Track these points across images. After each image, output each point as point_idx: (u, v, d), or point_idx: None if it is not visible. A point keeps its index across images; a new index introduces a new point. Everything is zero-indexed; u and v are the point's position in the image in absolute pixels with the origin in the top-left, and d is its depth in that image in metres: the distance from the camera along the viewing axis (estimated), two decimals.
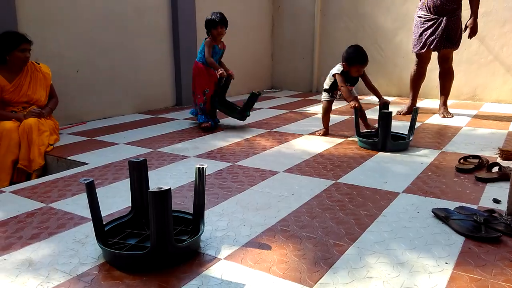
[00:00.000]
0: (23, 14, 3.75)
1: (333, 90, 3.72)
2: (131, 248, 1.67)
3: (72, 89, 4.23)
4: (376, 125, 3.48)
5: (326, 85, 3.74)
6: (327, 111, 3.75)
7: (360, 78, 3.65)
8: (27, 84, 3.41)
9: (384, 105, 3.44)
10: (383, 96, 3.62)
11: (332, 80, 3.64)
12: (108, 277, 1.52)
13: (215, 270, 1.55)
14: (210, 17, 3.92)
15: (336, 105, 5.31)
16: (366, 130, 3.66)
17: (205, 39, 3.94)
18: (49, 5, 3.96)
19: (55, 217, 2.05)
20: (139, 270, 1.55)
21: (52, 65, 3.81)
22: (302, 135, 3.72)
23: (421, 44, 4.29)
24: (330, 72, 3.66)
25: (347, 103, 3.60)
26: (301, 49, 6.76)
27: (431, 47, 4.24)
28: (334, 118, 4.49)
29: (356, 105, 3.45)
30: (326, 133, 3.75)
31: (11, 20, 3.61)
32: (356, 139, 3.42)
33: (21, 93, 3.38)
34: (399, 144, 3.19)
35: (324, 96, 3.78)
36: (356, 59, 3.49)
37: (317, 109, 5.04)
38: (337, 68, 3.58)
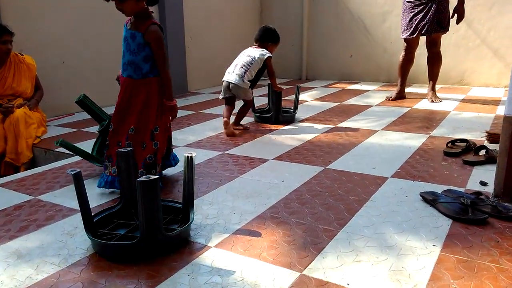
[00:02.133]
0: (7, 5, 3.67)
1: (256, 81, 3.54)
2: (120, 238, 1.67)
3: (58, 80, 4.17)
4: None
5: (249, 77, 3.42)
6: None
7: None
8: (12, 77, 3.35)
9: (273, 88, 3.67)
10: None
11: (259, 68, 3.45)
12: (98, 268, 1.51)
13: (205, 258, 1.56)
14: None
15: (323, 93, 5.32)
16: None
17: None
18: None
19: (43, 209, 2.04)
20: (129, 260, 1.55)
21: (38, 56, 3.74)
22: (291, 122, 3.72)
23: (412, 29, 4.29)
24: (252, 57, 3.43)
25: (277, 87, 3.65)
26: (290, 36, 6.72)
27: (422, 32, 4.24)
28: (323, 105, 4.50)
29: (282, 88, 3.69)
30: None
31: None
32: (343, 125, 3.43)
33: (6, 85, 3.33)
34: (287, 116, 3.74)
35: (250, 89, 3.49)
36: (278, 37, 3.61)
37: (306, 97, 5.04)
38: (266, 52, 3.46)
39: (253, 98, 3.61)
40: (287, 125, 3.62)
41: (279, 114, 3.69)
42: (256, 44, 3.57)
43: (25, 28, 3.81)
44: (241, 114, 3.54)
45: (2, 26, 3.27)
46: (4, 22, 3.48)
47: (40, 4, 3.94)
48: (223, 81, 3.49)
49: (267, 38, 3.54)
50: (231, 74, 3.45)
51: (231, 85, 3.41)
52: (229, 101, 3.47)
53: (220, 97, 3.52)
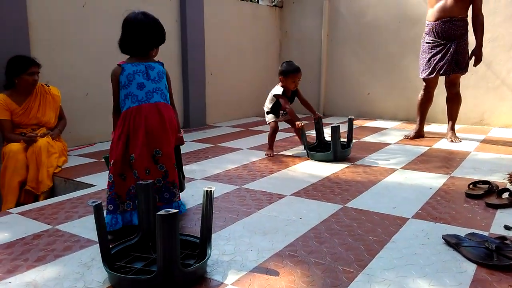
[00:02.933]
0: (35, 38, 3.83)
1: (276, 110, 3.89)
2: (137, 272, 1.65)
3: (81, 111, 4.28)
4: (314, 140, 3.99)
5: (267, 108, 3.89)
6: (275, 131, 3.88)
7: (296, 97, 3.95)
8: (37, 107, 3.45)
9: (318, 119, 3.96)
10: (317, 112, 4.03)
11: (274, 101, 3.84)
12: None
13: None
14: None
15: (343, 129, 5.32)
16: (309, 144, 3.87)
17: (163, 65, 2.31)
18: (61, 29, 4.04)
19: (61, 239, 2.05)
20: None
21: (62, 87, 3.86)
22: (309, 158, 3.71)
23: (430, 69, 4.30)
24: (270, 93, 3.86)
25: (289, 123, 3.98)
26: (308, 74, 6.81)
27: (441, 72, 4.26)
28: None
29: (302, 124, 3.70)
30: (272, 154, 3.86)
31: (24, 44, 3.68)
32: (361, 163, 3.40)
33: (31, 115, 3.42)
34: (345, 151, 3.65)
35: (270, 117, 3.90)
36: (289, 70, 3.77)
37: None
38: (278, 90, 3.78)
39: (273, 126, 3.87)
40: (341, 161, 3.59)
41: (338, 150, 3.58)
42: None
43: (51, 60, 3.95)
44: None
45: (29, 58, 3.40)
46: (32, 54, 3.62)
47: (66, 38, 4.10)
48: None
49: (279, 72, 3.82)
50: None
51: None
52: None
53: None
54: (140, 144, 2.06)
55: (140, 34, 2.13)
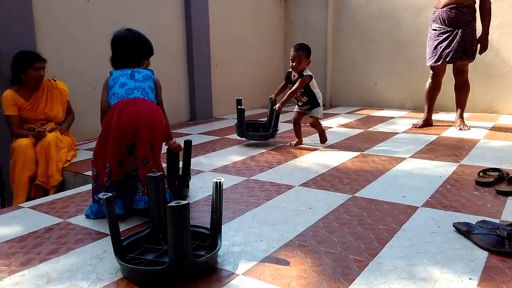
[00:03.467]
0: (41, 34, 3.84)
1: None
2: (148, 263, 1.67)
3: (89, 105, 4.29)
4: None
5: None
6: (294, 122, 3.90)
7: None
8: (44, 102, 3.47)
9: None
10: None
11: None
12: None
13: (233, 286, 1.53)
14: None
15: (348, 119, 5.30)
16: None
17: (152, 72, 2.38)
18: (66, 24, 4.05)
19: (73, 232, 2.06)
20: (157, 285, 1.54)
21: (69, 82, 3.87)
22: (317, 148, 3.70)
23: (437, 56, 4.27)
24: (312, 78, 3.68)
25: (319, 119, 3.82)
26: (314, 64, 6.70)
27: (447, 60, 4.22)
28: (348, 131, 4.47)
29: (278, 107, 3.72)
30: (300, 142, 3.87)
31: (30, 40, 3.69)
32: (369, 152, 3.39)
33: (38, 110, 3.44)
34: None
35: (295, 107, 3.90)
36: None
37: (331, 123, 5.03)
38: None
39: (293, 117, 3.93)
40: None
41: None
42: None
43: (58, 55, 3.96)
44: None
45: (34, 54, 3.40)
46: (38, 50, 3.63)
47: (72, 33, 4.11)
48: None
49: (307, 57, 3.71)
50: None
51: None
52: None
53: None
54: (113, 139, 2.13)
55: (126, 50, 2.29)
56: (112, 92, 2.22)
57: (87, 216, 2.24)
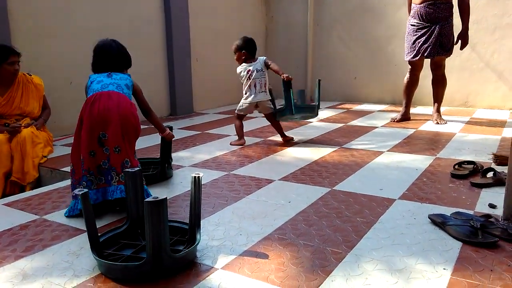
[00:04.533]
0: (16, 27, 3.74)
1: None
2: (126, 259, 1.65)
3: (66, 101, 4.21)
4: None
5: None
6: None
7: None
8: (19, 97, 3.39)
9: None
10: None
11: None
12: None
13: (212, 280, 1.54)
14: None
15: (328, 113, 5.34)
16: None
17: (130, 76, 2.51)
18: (42, 17, 3.96)
19: (49, 229, 2.03)
20: (135, 281, 1.53)
21: (46, 77, 3.79)
22: (297, 143, 3.72)
23: (415, 52, 4.33)
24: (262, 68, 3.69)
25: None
26: (295, 59, 6.80)
27: (425, 55, 4.28)
28: (328, 126, 4.51)
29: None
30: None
31: (4, 33, 3.60)
32: (348, 146, 3.42)
33: (14, 106, 3.36)
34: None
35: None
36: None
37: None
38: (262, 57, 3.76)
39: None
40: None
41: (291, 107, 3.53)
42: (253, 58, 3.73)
43: (34, 49, 3.87)
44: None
45: (8, 48, 3.31)
46: (13, 44, 3.54)
47: (49, 27, 4.02)
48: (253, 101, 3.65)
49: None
50: (261, 93, 3.65)
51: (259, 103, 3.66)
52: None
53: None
54: (85, 129, 2.17)
55: (110, 58, 2.39)
56: (90, 89, 2.30)
57: (67, 216, 2.18)
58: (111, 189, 2.18)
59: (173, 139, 2.82)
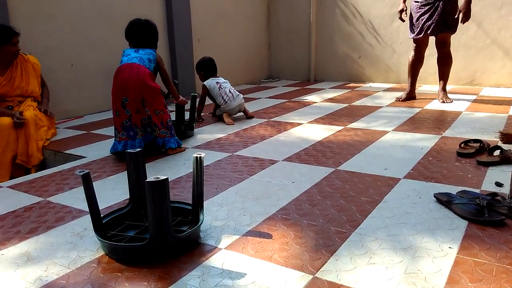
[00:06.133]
0: (15, 9, 3.69)
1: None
2: (130, 240, 1.65)
3: (68, 83, 4.19)
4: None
5: None
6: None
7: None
8: (20, 76, 3.37)
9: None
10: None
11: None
12: (108, 270, 1.50)
13: (216, 260, 1.53)
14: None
15: (333, 94, 5.29)
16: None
17: (155, 51, 3.00)
18: None
19: (53, 210, 2.03)
20: (139, 261, 1.53)
21: (46, 59, 3.76)
22: (301, 123, 3.69)
23: (418, 29, 4.25)
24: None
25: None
26: (298, 38, 6.70)
27: (428, 32, 4.20)
28: (332, 106, 4.46)
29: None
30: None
31: (2, 15, 3.55)
32: (353, 126, 3.39)
33: (15, 85, 3.34)
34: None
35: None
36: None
37: (315, 98, 5.01)
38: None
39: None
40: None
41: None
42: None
43: (33, 31, 3.83)
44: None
45: (11, 29, 3.28)
46: (12, 24, 3.50)
47: (48, 8, 3.96)
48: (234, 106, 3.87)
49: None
50: (238, 96, 3.94)
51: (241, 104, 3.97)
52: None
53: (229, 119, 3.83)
54: (113, 93, 2.77)
55: (134, 35, 2.94)
56: (120, 61, 2.85)
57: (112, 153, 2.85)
58: (133, 142, 2.77)
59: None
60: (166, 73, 3.07)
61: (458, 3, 4.14)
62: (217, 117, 3.93)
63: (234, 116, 3.95)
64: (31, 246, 1.68)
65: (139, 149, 1.79)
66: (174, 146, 2.89)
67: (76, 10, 4.17)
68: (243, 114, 4.04)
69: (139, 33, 2.93)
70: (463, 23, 4.21)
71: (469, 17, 4.14)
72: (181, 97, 3.26)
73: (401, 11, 4.36)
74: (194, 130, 3.49)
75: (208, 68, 4.08)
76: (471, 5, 4.09)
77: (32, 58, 3.52)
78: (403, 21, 4.40)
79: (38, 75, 3.55)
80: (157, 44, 3.05)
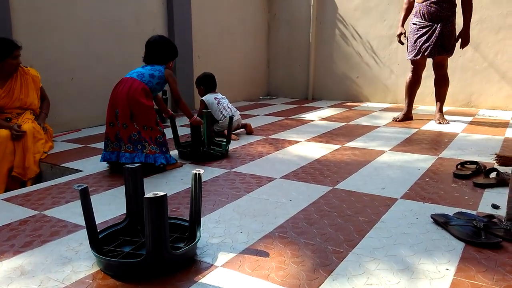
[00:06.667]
0: (18, 21, 3.73)
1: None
2: (126, 255, 1.64)
3: (67, 96, 4.20)
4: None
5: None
6: None
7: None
8: (19, 88, 3.38)
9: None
10: None
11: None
12: (102, 286, 1.48)
13: (212, 278, 1.52)
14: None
15: (330, 112, 5.32)
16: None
17: (164, 67, 2.93)
18: (45, 11, 3.94)
19: (48, 224, 2.02)
20: (134, 278, 1.52)
21: (47, 72, 3.78)
22: (299, 141, 3.70)
23: (416, 51, 4.31)
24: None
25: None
26: (297, 56, 6.78)
27: (426, 54, 4.26)
28: (330, 124, 4.49)
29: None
30: None
31: (5, 27, 3.58)
32: (350, 145, 3.40)
33: (14, 97, 3.34)
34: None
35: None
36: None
37: (313, 116, 5.04)
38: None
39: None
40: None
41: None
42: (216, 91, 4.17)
43: (35, 44, 3.86)
44: None
45: (13, 42, 3.30)
46: (14, 37, 3.53)
47: (51, 21, 4.00)
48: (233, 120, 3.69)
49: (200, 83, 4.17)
50: (236, 112, 4.06)
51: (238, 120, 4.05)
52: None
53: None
54: (108, 105, 2.81)
55: (146, 51, 2.97)
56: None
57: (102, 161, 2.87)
58: (121, 154, 2.75)
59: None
60: (176, 91, 2.95)
61: (456, 26, 4.22)
62: (215, 134, 3.93)
63: (234, 132, 3.96)
64: (25, 260, 1.67)
65: (138, 165, 1.79)
66: (165, 162, 2.81)
67: (80, 23, 4.21)
68: (242, 130, 4.07)
69: (146, 49, 2.98)
70: (462, 48, 4.29)
71: (468, 42, 4.22)
72: (195, 116, 3.17)
73: (400, 35, 4.43)
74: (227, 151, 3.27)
75: (208, 83, 4.12)
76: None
77: (32, 70, 3.54)
78: (402, 44, 4.48)
79: (38, 88, 3.56)
80: (168, 60, 2.98)
